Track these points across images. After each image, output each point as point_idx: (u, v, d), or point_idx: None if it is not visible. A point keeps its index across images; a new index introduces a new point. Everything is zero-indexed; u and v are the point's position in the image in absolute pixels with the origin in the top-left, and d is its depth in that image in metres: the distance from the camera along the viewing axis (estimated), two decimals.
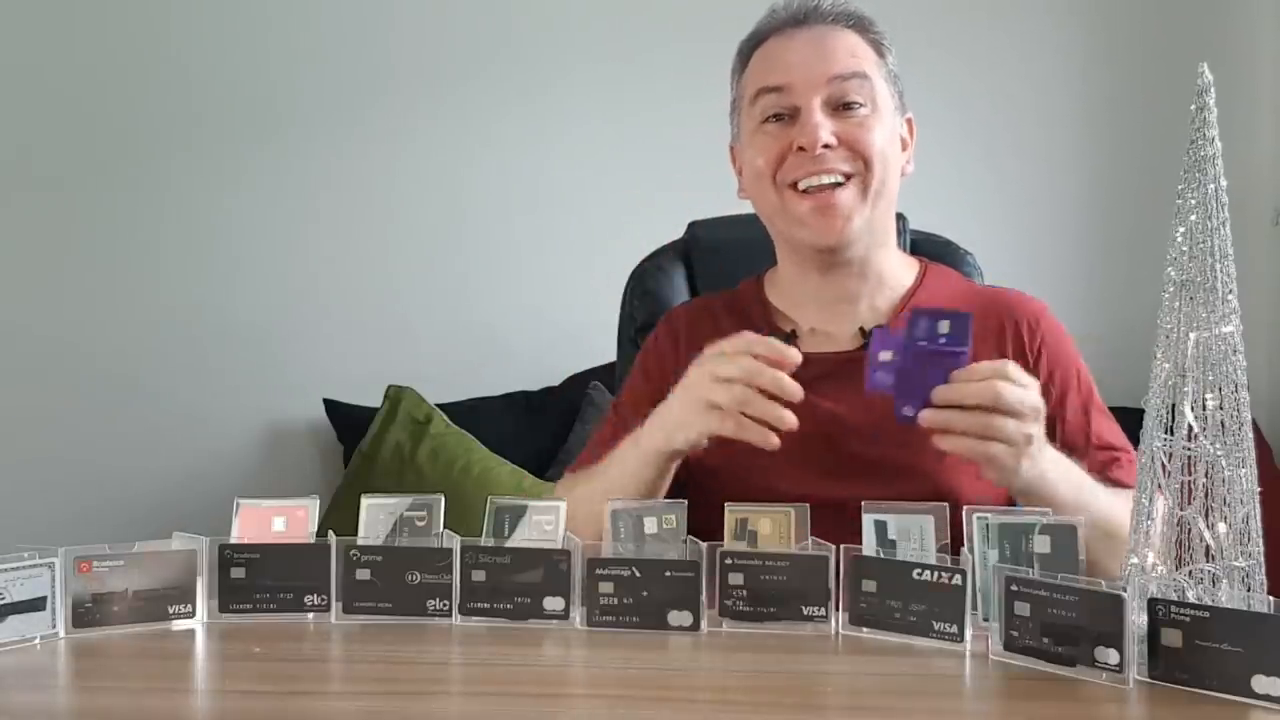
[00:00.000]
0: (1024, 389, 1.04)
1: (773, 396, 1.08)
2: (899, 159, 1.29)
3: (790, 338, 1.31)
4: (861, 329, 1.30)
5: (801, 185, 1.25)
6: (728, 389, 1.09)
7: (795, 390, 1.08)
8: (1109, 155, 2.83)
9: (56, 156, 2.70)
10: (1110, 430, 1.30)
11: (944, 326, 1.04)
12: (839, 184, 1.24)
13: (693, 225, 1.63)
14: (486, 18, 2.76)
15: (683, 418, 1.13)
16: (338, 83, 2.74)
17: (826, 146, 1.22)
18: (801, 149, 1.23)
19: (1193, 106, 0.86)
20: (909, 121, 1.33)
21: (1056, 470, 1.08)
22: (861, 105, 1.25)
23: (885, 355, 1.05)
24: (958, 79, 2.72)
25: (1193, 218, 0.86)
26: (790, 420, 1.08)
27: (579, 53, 2.77)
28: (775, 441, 1.08)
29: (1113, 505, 1.10)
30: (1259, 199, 2.75)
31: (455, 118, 2.76)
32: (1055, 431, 1.25)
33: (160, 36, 2.71)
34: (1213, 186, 0.86)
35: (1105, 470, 1.24)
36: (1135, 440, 0.91)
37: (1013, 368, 1.05)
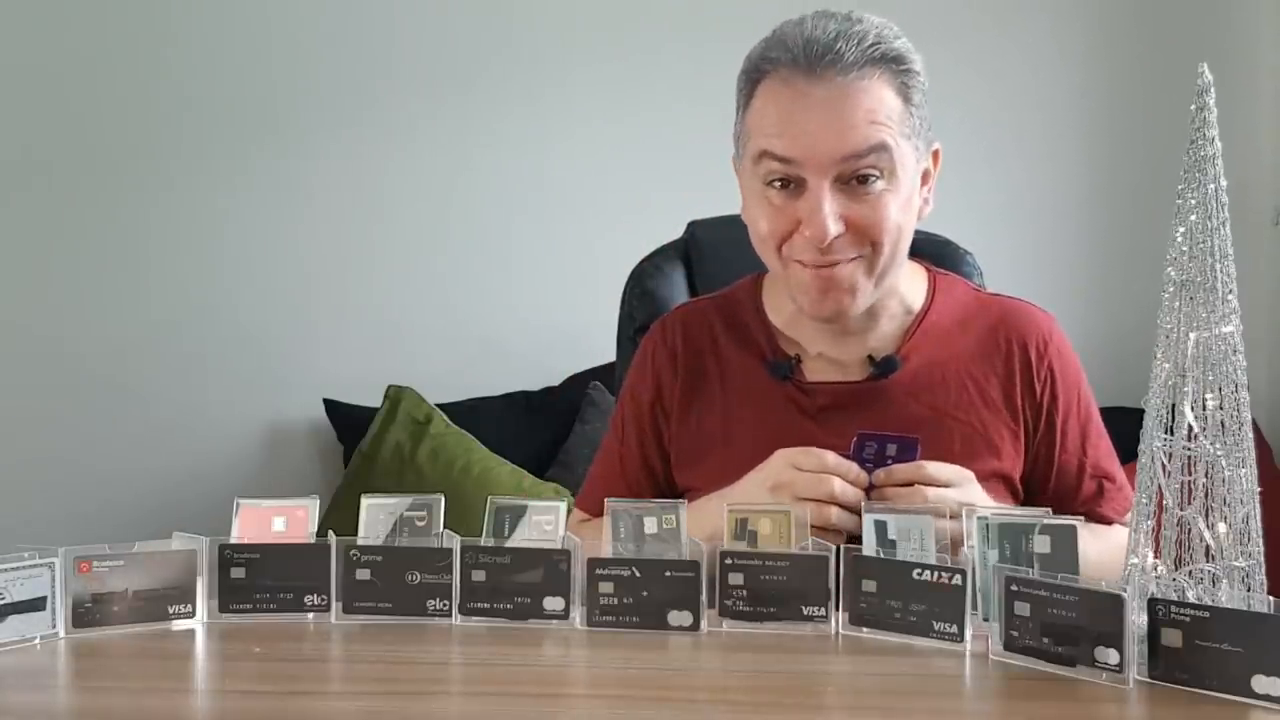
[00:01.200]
0: (950, 487, 1.08)
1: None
2: (912, 224, 1.20)
3: (795, 363, 1.27)
4: (870, 357, 1.25)
5: (808, 265, 1.17)
6: (811, 508, 1.07)
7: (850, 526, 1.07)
8: (1109, 155, 2.83)
9: (56, 157, 2.70)
10: (1106, 454, 1.29)
11: (891, 450, 1.09)
12: (846, 260, 1.17)
13: (692, 225, 1.63)
14: (486, 19, 2.76)
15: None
16: (338, 83, 2.74)
17: (836, 236, 1.13)
18: (808, 234, 1.14)
19: (1193, 106, 0.86)
20: (935, 154, 1.23)
21: None
22: (877, 178, 1.13)
23: None
24: (957, 78, 2.72)
25: (1193, 218, 0.86)
26: (843, 538, 1.07)
27: (578, 53, 2.77)
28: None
29: (1085, 545, 1.05)
30: (1259, 199, 2.75)
31: (456, 118, 2.76)
32: (1052, 458, 1.26)
33: (159, 37, 2.71)
34: (1213, 186, 0.86)
35: (1092, 503, 1.25)
36: (1135, 440, 0.91)
37: (932, 468, 1.08)
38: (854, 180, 1.13)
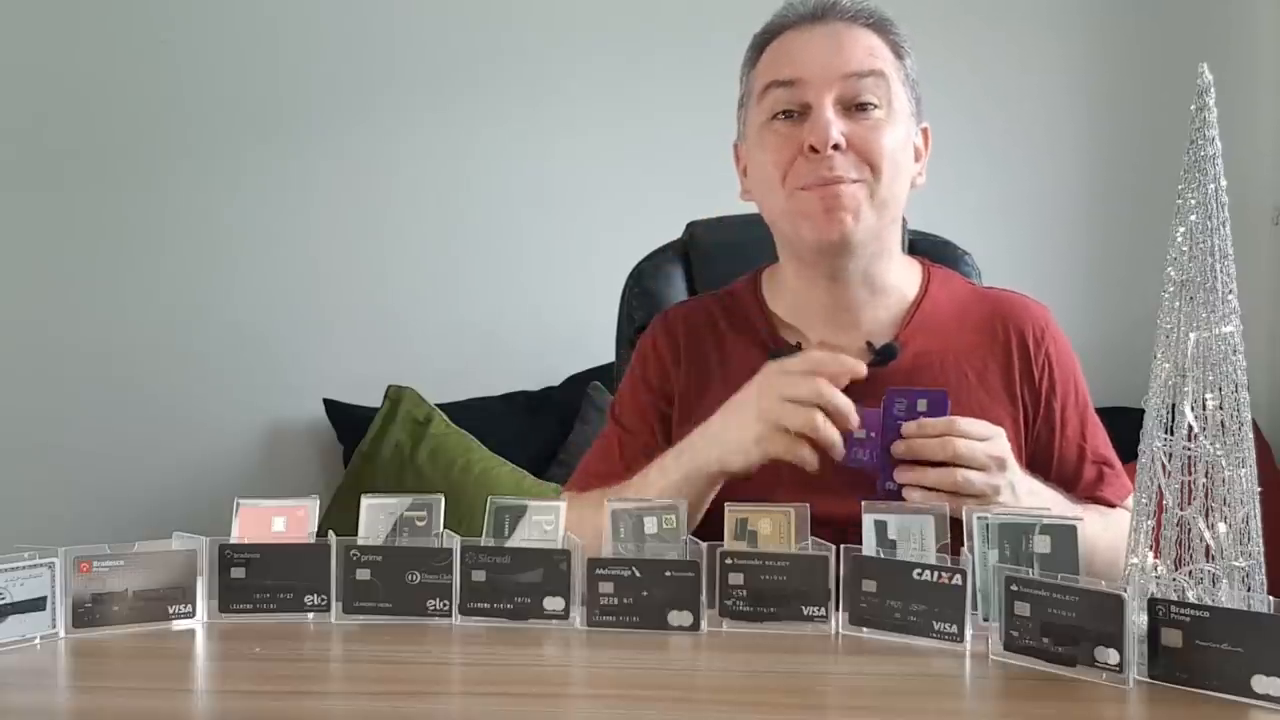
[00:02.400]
0: (980, 441, 1.08)
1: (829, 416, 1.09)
2: (910, 168, 1.25)
3: (795, 350, 1.28)
4: (869, 344, 1.26)
5: (811, 187, 1.21)
6: (798, 412, 1.08)
7: (855, 421, 1.09)
8: (1109, 155, 2.83)
9: (57, 157, 2.70)
10: (1104, 441, 1.31)
11: (922, 405, 1.09)
12: (848, 181, 1.20)
13: (692, 225, 1.63)
14: (486, 19, 2.76)
15: (743, 439, 1.11)
16: (338, 84, 2.74)
17: (836, 147, 1.18)
18: (812, 149, 1.18)
19: (1193, 106, 0.86)
20: (925, 131, 1.28)
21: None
22: (876, 106, 1.20)
23: (861, 432, 1.10)
24: (957, 78, 2.72)
25: (1193, 218, 0.86)
26: (840, 449, 1.09)
27: (578, 54, 2.77)
28: (816, 464, 1.09)
29: (1096, 535, 1.09)
30: (1259, 199, 2.75)
31: (456, 118, 2.76)
32: (1052, 445, 1.27)
33: (161, 38, 2.71)
34: (1213, 186, 0.86)
35: (1094, 489, 1.27)
36: (1135, 440, 0.91)
37: (964, 422, 1.09)
38: (854, 107, 1.20)
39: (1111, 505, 1.26)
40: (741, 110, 1.31)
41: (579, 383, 2.65)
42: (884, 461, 1.10)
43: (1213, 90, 0.86)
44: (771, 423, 1.10)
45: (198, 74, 2.72)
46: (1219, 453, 0.86)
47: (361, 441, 2.55)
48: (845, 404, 1.09)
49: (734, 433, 1.13)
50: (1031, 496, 1.10)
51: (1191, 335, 0.87)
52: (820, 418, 1.08)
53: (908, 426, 1.09)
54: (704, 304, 1.39)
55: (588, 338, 2.51)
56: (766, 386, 1.12)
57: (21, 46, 2.68)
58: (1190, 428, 0.87)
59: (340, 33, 2.74)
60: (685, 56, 2.70)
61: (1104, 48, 2.83)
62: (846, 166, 1.19)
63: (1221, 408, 0.86)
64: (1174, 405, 0.88)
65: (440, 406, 2.58)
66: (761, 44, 1.28)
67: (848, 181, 1.19)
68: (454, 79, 2.76)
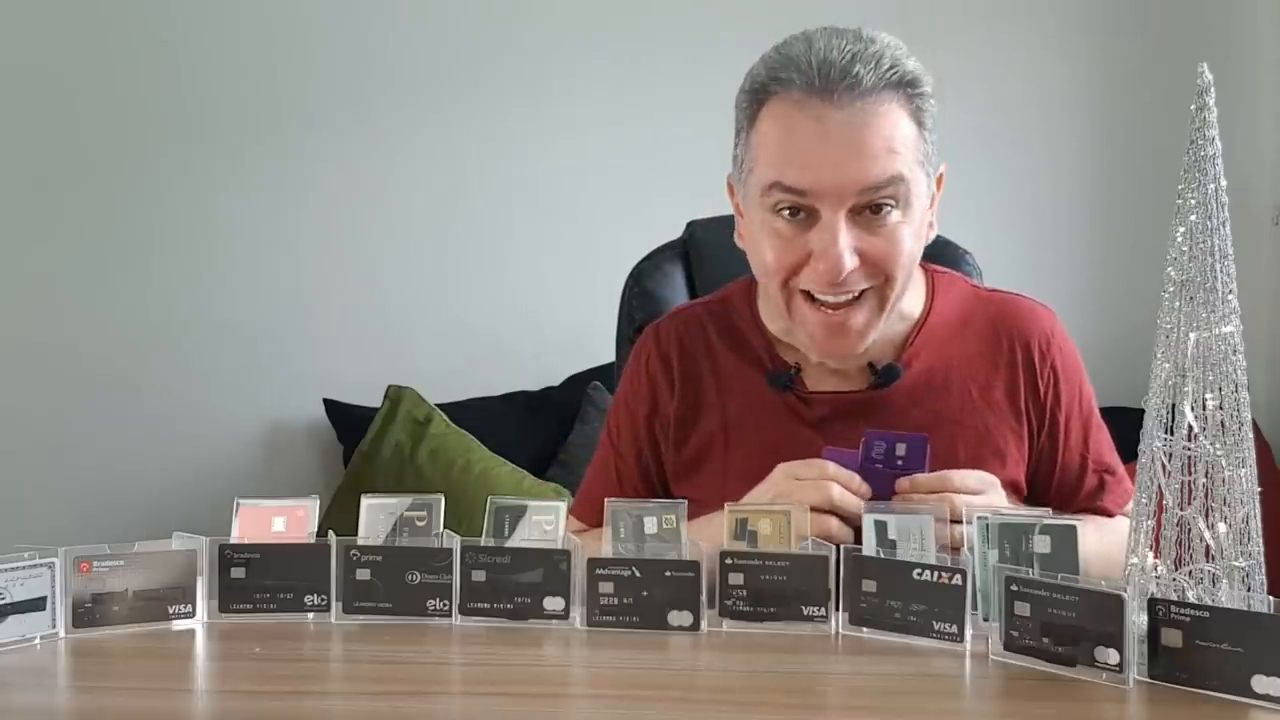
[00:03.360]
0: (976, 495, 1.06)
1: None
2: (922, 242, 1.17)
3: (796, 372, 1.25)
4: (871, 365, 1.22)
5: (816, 297, 1.14)
6: (813, 519, 1.04)
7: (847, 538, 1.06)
8: (1109, 155, 2.83)
9: (56, 157, 2.70)
10: (1106, 447, 1.29)
11: (900, 449, 1.08)
12: (855, 298, 1.13)
13: (691, 225, 1.63)
14: (486, 19, 2.76)
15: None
16: (337, 82, 2.74)
17: (851, 269, 1.10)
18: (821, 266, 1.10)
19: (1193, 106, 0.86)
20: (939, 177, 1.19)
21: None
22: (892, 208, 1.10)
23: None
24: (957, 78, 2.71)
25: (1193, 218, 0.86)
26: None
27: (578, 54, 2.77)
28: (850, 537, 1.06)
29: (1097, 550, 1.07)
30: (1259, 199, 2.75)
31: (456, 118, 2.76)
32: (1055, 456, 1.26)
33: (160, 38, 2.71)
34: (1213, 186, 0.86)
35: (1094, 498, 1.26)
36: (1135, 440, 0.91)
37: (957, 477, 1.07)
38: (867, 210, 1.10)
39: (1110, 514, 1.25)
40: (737, 163, 1.19)
41: (579, 383, 2.65)
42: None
43: (1213, 90, 0.86)
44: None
45: (196, 74, 2.71)
46: (1219, 453, 0.86)
47: (361, 441, 2.55)
48: (855, 506, 1.04)
49: None
50: None
51: (1191, 335, 0.87)
52: (835, 525, 1.05)
53: (901, 483, 1.07)
54: (696, 316, 1.33)
55: (587, 338, 2.51)
56: (779, 495, 1.08)
57: (21, 46, 2.67)
58: (1190, 428, 0.87)
59: (340, 33, 2.74)
60: (685, 56, 2.70)
61: (1104, 48, 2.83)
62: (858, 280, 1.11)
63: (1221, 408, 0.86)
64: (1174, 405, 0.88)
65: (440, 406, 2.58)
66: (758, 98, 1.13)
67: (856, 295, 1.12)
68: (453, 79, 2.76)
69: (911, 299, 1.25)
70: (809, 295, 1.15)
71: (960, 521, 1.00)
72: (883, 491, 1.07)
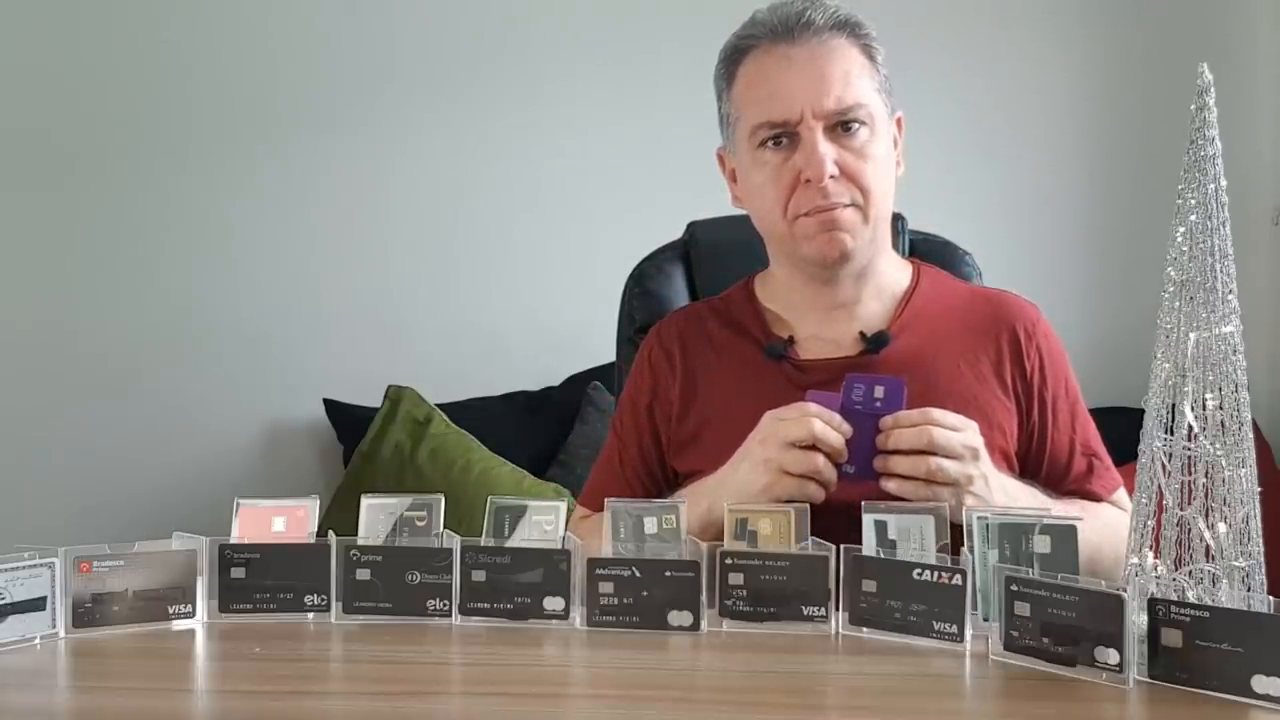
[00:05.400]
0: (956, 431, 1.10)
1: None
2: (893, 169, 1.29)
3: (788, 344, 1.31)
4: (862, 334, 1.30)
5: (810, 213, 1.26)
6: (798, 456, 1.10)
7: (845, 455, 1.11)
8: (1109, 155, 2.83)
9: (56, 157, 2.70)
10: (1093, 434, 1.33)
11: (879, 391, 1.12)
12: (843, 207, 1.25)
13: (692, 225, 1.63)
14: (486, 19, 2.76)
15: (751, 488, 1.13)
16: (339, 83, 2.74)
17: (831, 177, 1.23)
18: (807, 180, 1.23)
19: (1193, 106, 0.86)
20: (899, 122, 1.32)
21: (1009, 503, 1.10)
22: (861, 125, 1.24)
23: None
24: (957, 78, 2.72)
25: (1193, 218, 0.86)
26: (834, 486, 1.11)
27: (579, 54, 2.77)
28: (822, 498, 1.10)
29: (1090, 536, 1.10)
30: (1259, 199, 2.75)
31: (456, 118, 2.76)
32: (1045, 437, 1.30)
33: (161, 37, 2.71)
34: (1213, 186, 0.86)
35: (1084, 481, 1.29)
36: (1135, 440, 0.91)
37: (937, 413, 1.11)
38: (839, 128, 1.24)
39: (1099, 498, 1.28)
40: (724, 126, 1.34)
41: (579, 383, 2.65)
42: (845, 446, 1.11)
43: (1213, 90, 0.86)
44: (776, 469, 1.11)
45: (198, 74, 2.71)
46: (1219, 453, 0.86)
47: (361, 441, 2.55)
48: (837, 440, 1.11)
49: (742, 482, 1.14)
50: (1003, 493, 1.12)
51: (1191, 335, 0.87)
52: (821, 460, 1.10)
53: (885, 420, 1.11)
54: (698, 310, 1.42)
55: (588, 338, 2.51)
56: (766, 435, 1.14)
57: (21, 46, 2.67)
58: (1190, 428, 0.87)
59: (341, 33, 2.74)
60: (685, 56, 2.67)
61: (1104, 48, 2.83)
62: (840, 192, 1.24)
63: (1221, 408, 0.86)
64: (1174, 405, 0.88)
65: (440, 406, 2.58)
66: (733, 59, 1.29)
67: (842, 207, 1.24)
68: (455, 79, 2.76)
69: (898, 274, 1.35)
70: (806, 215, 1.26)
71: (941, 455, 1.08)
72: (864, 432, 1.11)
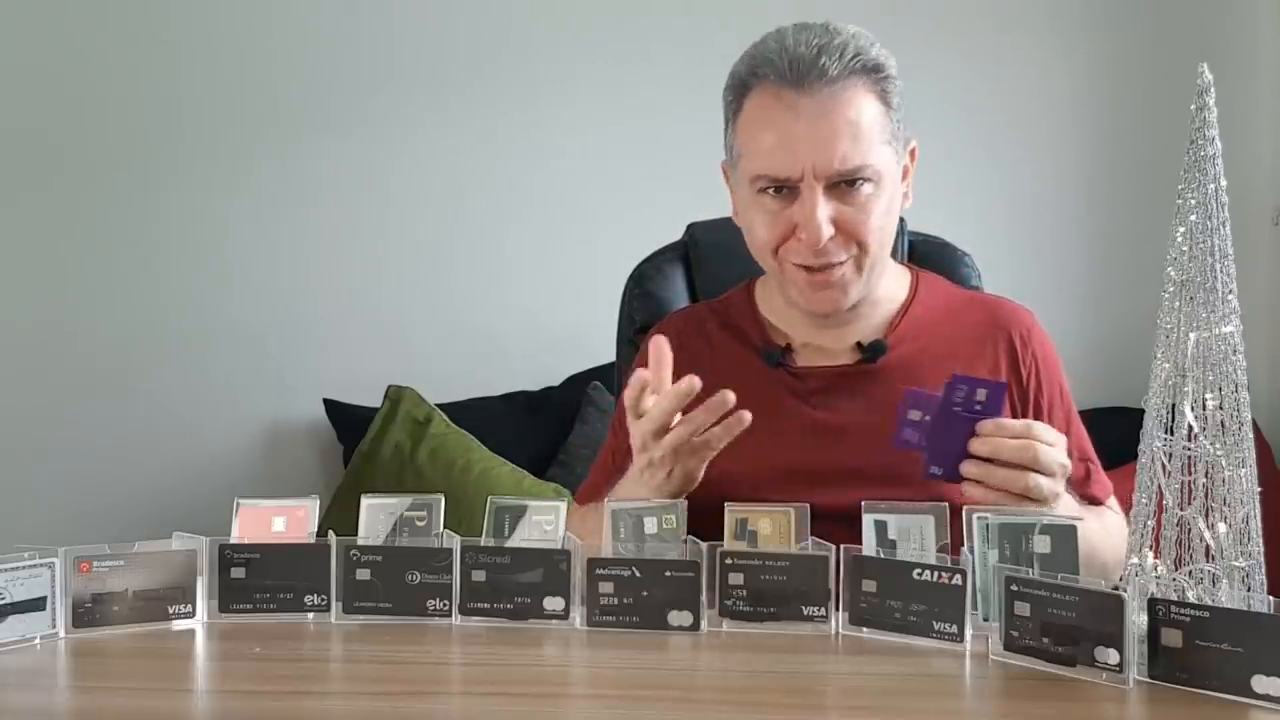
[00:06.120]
0: (1052, 447, 1.06)
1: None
2: (895, 221, 1.26)
3: (785, 352, 1.31)
4: (859, 344, 1.29)
5: (801, 266, 1.24)
6: (655, 444, 1.09)
7: (720, 403, 1.09)
8: (1109, 155, 2.83)
9: (55, 157, 2.70)
10: (1088, 441, 1.33)
11: (980, 394, 1.07)
12: (837, 264, 1.23)
13: (692, 227, 1.63)
14: (486, 20, 2.76)
15: (651, 486, 1.13)
16: (338, 84, 2.74)
17: (829, 237, 1.20)
18: (802, 237, 1.20)
19: (1193, 106, 0.86)
20: (912, 152, 1.28)
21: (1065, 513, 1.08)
22: (865, 181, 1.20)
23: (915, 415, 1.08)
24: (957, 79, 2.72)
25: (1193, 218, 0.86)
26: (741, 418, 1.09)
27: (579, 54, 2.77)
28: (747, 418, 1.09)
29: (1101, 539, 1.15)
30: (1259, 199, 2.74)
31: (457, 119, 2.76)
32: None
33: (161, 38, 2.71)
34: (1213, 186, 0.86)
35: (1083, 486, 1.29)
36: (1135, 440, 0.91)
37: (1040, 427, 1.07)
38: (843, 184, 1.20)
39: (1099, 502, 1.29)
40: (729, 148, 1.30)
41: (579, 383, 2.64)
42: (934, 446, 1.07)
43: (1213, 90, 0.86)
44: (645, 462, 1.11)
45: (197, 74, 2.71)
46: (1219, 453, 0.86)
47: (361, 441, 2.55)
48: (655, 405, 1.10)
49: (646, 484, 1.14)
50: (1063, 504, 1.09)
51: (1191, 335, 0.87)
52: (682, 430, 1.08)
53: (984, 425, 1.05)
54: (698, 312, 1.43)
55: (588, 338, 2.51)
56: (638, 445, 1.13)
57: (21, 46, 2.67)
58: (1190, 428, 0.87)
59: (340, 33, 2.74)
60: (686, 57, 2.69)
61: (1104, 48, 2.82)
62: (836, 250, 1.21)
63: (1221, 408, 0.86)
64: (1174, 405, 0.88)
65: (440, 406, 2.58)
66: (741, 90, 1.24)
67: (837, 264, 1.22)
68: (454, 79, 2.76)
69: (896, 285, 1.34)
70: (797, 265, 1.24)
71: (1040, 472, 1.03)
72: (957, 435, 1.06)
